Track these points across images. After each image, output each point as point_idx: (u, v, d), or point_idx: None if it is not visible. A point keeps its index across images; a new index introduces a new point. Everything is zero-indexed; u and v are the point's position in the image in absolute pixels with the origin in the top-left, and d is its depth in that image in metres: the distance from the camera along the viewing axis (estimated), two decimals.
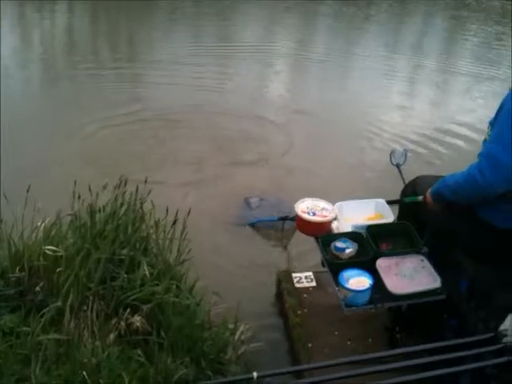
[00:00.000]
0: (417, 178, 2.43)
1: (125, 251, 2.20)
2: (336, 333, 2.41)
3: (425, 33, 9.85)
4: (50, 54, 6.95)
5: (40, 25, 8.62)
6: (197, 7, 10.16)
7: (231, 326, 2.25)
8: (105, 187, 2.33)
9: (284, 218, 3.32)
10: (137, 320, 2.06)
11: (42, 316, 2.04)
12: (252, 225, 3.49)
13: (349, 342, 2.36)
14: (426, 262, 2.10)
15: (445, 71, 7.28)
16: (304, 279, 2.69)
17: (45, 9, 9.29)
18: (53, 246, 2.21)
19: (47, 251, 2.19)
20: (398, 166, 2.76)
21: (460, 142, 4.91)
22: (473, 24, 10.23)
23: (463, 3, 11.57)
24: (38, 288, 2.14)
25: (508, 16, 10.19)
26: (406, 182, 2.65)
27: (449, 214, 2.13)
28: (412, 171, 2.66)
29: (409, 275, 2.08)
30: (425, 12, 11.15)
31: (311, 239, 2.42)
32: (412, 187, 2.38)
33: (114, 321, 2.08)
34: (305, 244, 2.73)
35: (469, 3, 11.67)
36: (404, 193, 2.45)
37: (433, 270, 2.06)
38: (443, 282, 2.03)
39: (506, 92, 1.93)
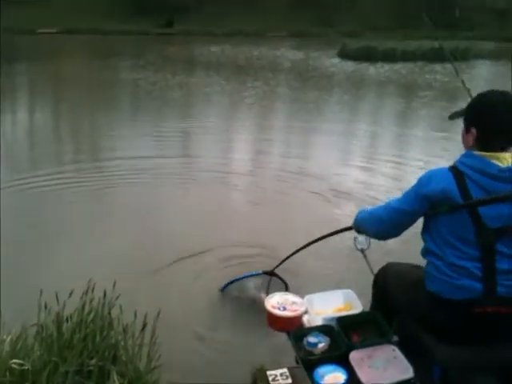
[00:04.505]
0: (387, 264, 2.48)
1: (93, 361, 2.14)
2: None
3: None
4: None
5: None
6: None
7: None
8: (71, 294, 2.32)
9: (271, 273, 3.29)
10: None
11: None
12: (227, 286, 3.41)
13: None
14: (398, 352, 2.10)
15: None
16: (279, 377, 2.63)
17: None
18: (19, 359, 2.15)
19: (14, 365, 2.13)
20: (362, 251, 2.82)
21: None
22: None
23: None
24: None
25: None
26: (372, 266, 2.71)
27: (408, 295, 2.18)
28: None
29: (382, 367, 2.06)
30: None
31: None
32: (383, 276, 2.43)
33: None
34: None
35: None
36: (375, 284, 2.49)
37: (405, 360, 2.05)
38: (416, 371, 2.02)
39: None
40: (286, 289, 3.45)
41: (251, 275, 3.43)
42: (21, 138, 8.59)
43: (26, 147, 8.02)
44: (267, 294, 3.25)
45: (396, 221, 2.14)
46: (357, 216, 2.43)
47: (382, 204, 2.23)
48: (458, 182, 1.93)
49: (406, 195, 2.09)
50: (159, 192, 5.75)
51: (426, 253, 2.08)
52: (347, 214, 4.94)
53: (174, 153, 7.59)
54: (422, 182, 2.03)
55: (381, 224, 2.21)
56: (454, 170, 1.97)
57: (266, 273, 3.43)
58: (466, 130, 2.04)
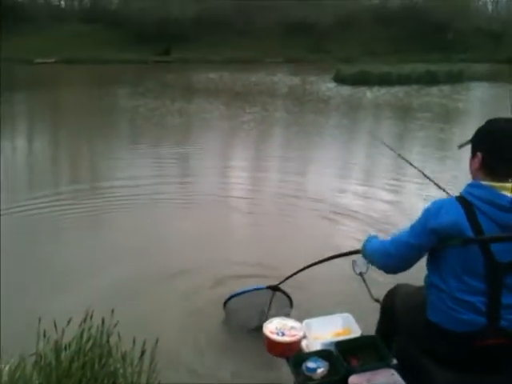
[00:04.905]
0: (396, 286, 2.48)
1: None
2: None
3: None
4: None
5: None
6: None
7: None
8: (69, 322, 2.32)
9: (275, 288, 3.26)
10: None
11: None
12: (230, 299, 3.39)
13: None
14: (397, 376, 2.09)
15: None
16: None
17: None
18: None
19: None
20: (361, 274, 2.82)
21: None
22: None
23: None
24: None
25: None
26: (371, 289, 2.71)
27: (413, 318, 2.17)
28: None
29: None
30: None
31: None
32: (391, 296, 2.43)
33: None
34: None
35: None
36: (384, 305, 2.49)
37: None
38: None
39: None
40: (291, 304, 3.44)
41: (256, 289, 3.41)
42: (21, 165, 8.62)
43: (26, 174, 8.07)
44: (269, 310, 3.29)
45: (405, 255, 2.09)
46: (365, 245, 2.38)
47: (389, 238, 2.19)
48: (467, 213, 1.88)
49: (413, 229, 2.04)
50: (159, 214, 5.76)
51: (429, 283, 2.05)
52: (348, 231, 5.02)
53: (174, 176, 7.66)
54: (429, 214, 1.97)
55: (389, 258, 2.16)
56: (461, 200, 1.92)
57: (270, 287, 3.41)
58: (473, 155, 2.00)
